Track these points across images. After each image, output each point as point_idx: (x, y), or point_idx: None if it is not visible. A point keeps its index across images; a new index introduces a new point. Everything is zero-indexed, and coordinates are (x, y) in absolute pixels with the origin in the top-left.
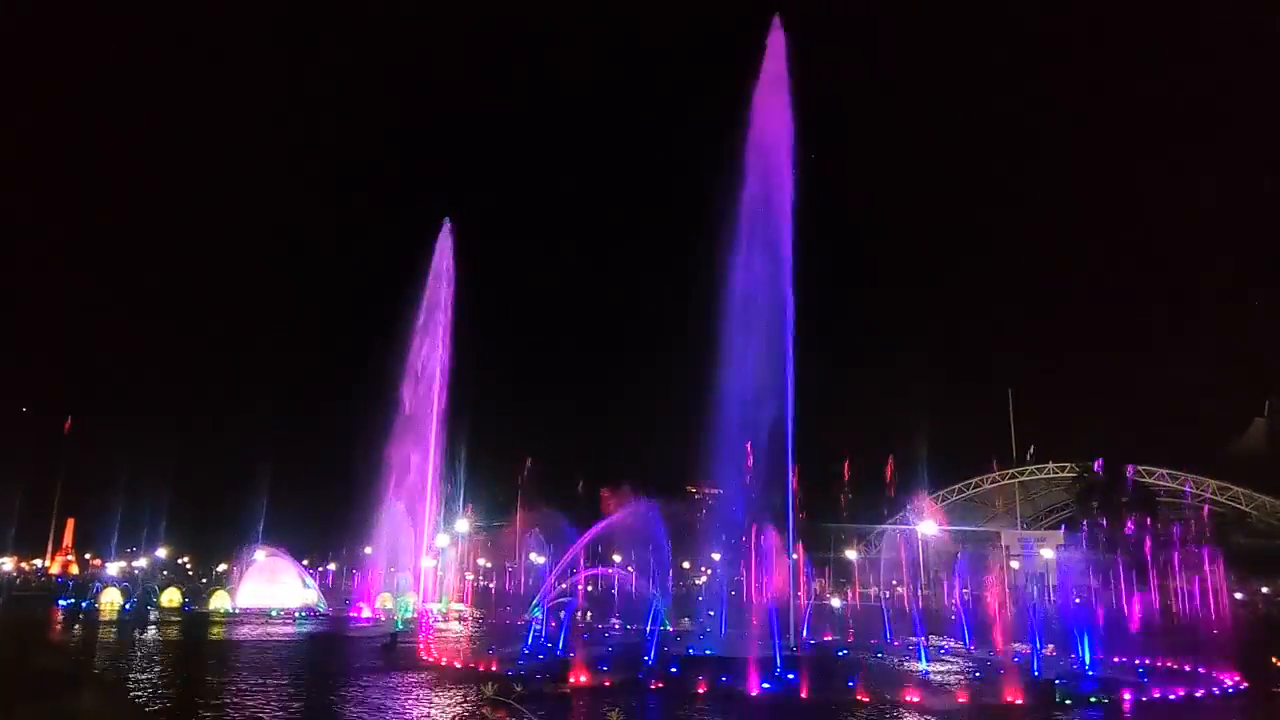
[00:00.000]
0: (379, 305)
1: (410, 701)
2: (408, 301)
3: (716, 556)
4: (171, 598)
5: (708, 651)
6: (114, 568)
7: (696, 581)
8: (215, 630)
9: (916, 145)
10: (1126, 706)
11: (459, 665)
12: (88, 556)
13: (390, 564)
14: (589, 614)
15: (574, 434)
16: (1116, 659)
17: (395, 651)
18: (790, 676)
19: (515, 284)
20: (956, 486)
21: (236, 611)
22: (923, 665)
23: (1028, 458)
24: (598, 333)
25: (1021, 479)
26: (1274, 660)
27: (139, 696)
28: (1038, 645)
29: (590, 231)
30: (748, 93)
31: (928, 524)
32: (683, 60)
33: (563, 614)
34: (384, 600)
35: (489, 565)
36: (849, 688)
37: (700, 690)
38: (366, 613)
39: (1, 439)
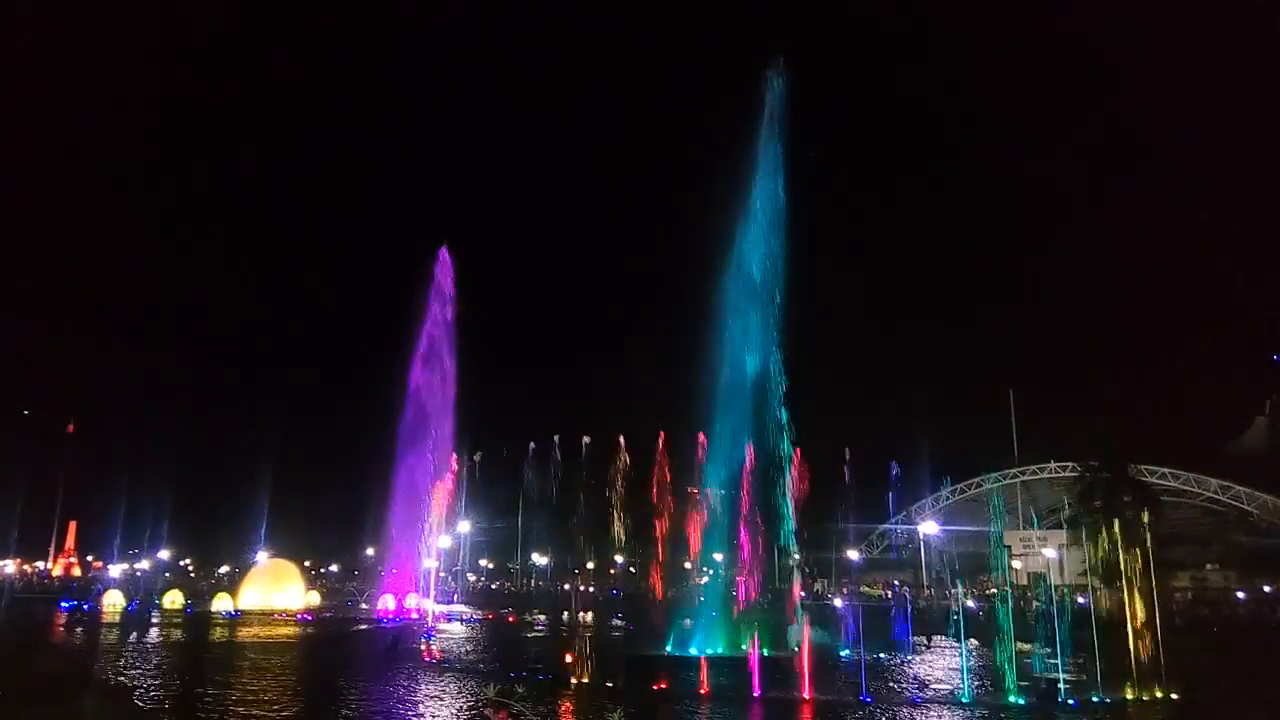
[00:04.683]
0: (382, 308)
1: (412, 702)
2: (410, 306)
3: (719, 557)
4: (174, 600)
5: (709, 651)
6: (116, 570)
7: (699, 582)
8: (217, 632)
9: (917, 146)
10: (1128, 707)
11: (461, 666)
12: (90, 559)
13: (392, 565)
14: (590, 614)
15: (575, 432)
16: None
17: (398, 652)
18: (792, 676)
19: (516, 289)
20: (958, 486)
21: (238, 613)
22: (924, 665)
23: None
24: (599, 334)
25: (1023, 479)
26: None
27: (141, 699)
28: (1041, 646)
29: (589, 238)
30: (750, 99)
31: (929, 524)
32: (681, 63)
33: (566, 615)
34: (386, 601)
35: (491, 565)
36: (851, 687)
37: (702, 690)
38: (369, 614)
39: (3, 441)
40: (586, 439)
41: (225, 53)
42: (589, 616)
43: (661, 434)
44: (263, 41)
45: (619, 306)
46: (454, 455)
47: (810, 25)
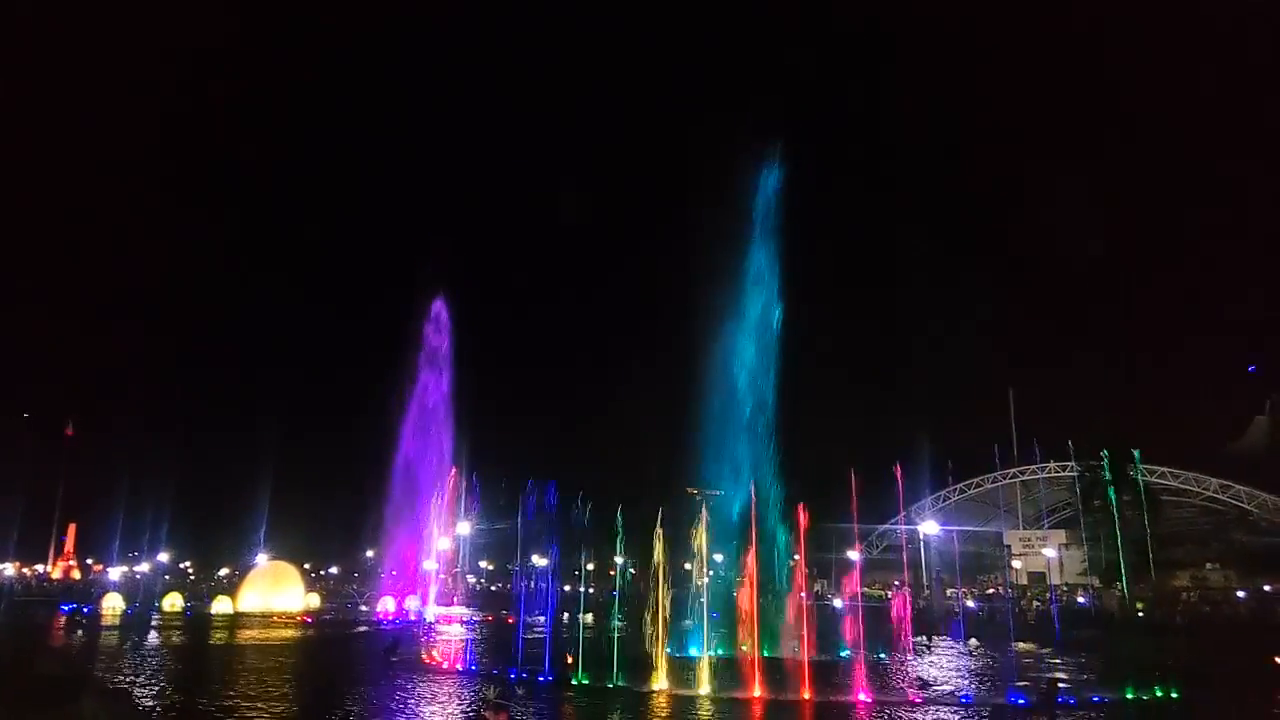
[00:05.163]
0: (382, 309)
1: (412, 704)
2: (412, 313)
3: (719, 558)
4: (173, 602)
5: (710, 652)
6: (116, 573)
7: (699, 583)
8: (217, 635)
9: (916, 145)
10: (1128, 706)
11: (460, 667)
12: (89, 562)
13: (392, 568)
14: (590, 615)
15: (574, 433)
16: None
17: (397, 655)
18: (794, 677)
19: (515, 293)
20: (958, 486)
21: (238, 616)
22: (925, 665)
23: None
24: (596, 334)
25: (1023, 478)
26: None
27: (140, 701)
28: (1041, 645)
29: (587, 237)
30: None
31: (929, 524)
32: (677, 72)
33: (565, 616)
34: (386, 603)
35: (490, 567)
36: (852, 688)
37: (702, 691)
38: (369, 616)
39: (3, 444)
40: (587, 503)
41: (225, 52)
42: (589, 618)
43: (660, 509)
44: (262, 41)
45: (621, 304)
46: (454, 457)
47: (810, 24)
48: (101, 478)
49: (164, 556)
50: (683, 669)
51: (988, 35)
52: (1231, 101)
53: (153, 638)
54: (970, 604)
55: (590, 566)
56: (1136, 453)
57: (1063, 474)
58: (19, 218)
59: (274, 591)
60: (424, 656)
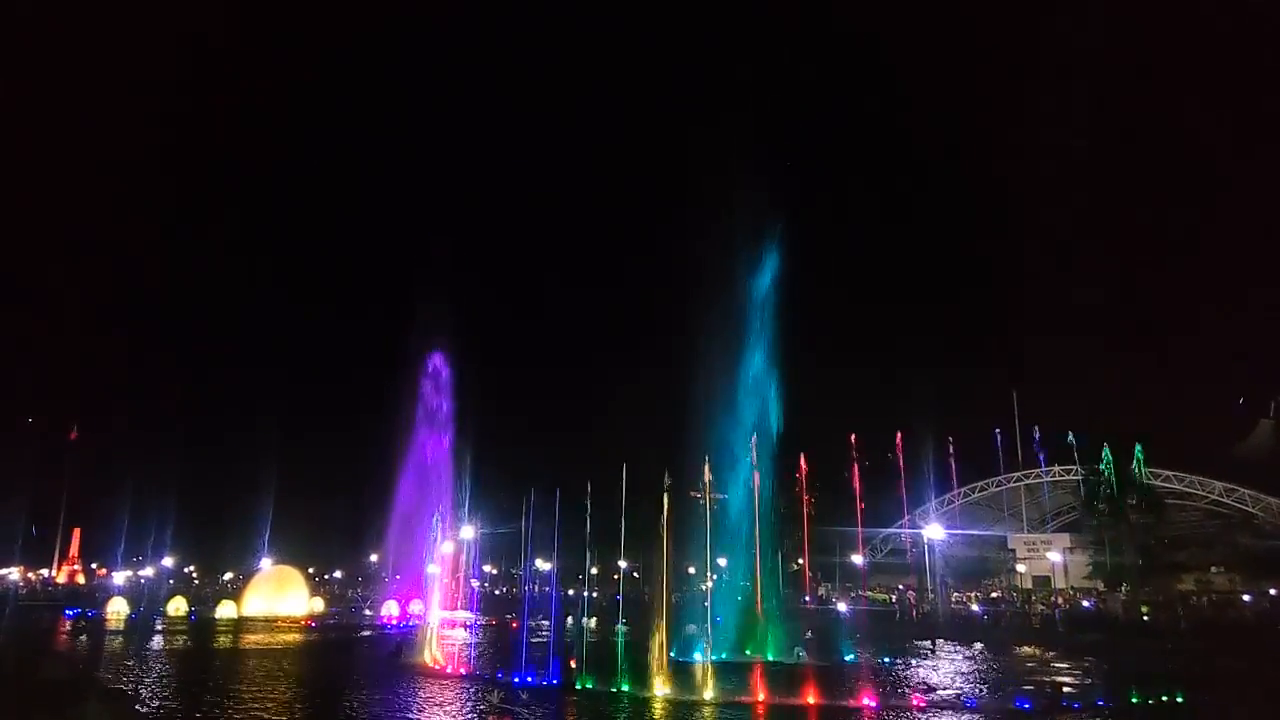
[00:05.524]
0: (384, 310)
1: (415, 708)
2: (412, 314)
3: (723, 561)
4: (178, 606)
5: (714, 657)
6: (120, 577)
7: (702, 587)
8: (222, 639)
9: (915, 144)
10: (1133, 710)
11: (464, 672)
12: (94, 566)
13: (396, 572)
14: (594, 620)
15: (575, 434)
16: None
17: (401, 659)
18: (797, 682)
19: (515, 293)
20: (962, 490)
21: (242, 620)
22: (929, 669)
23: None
24: (597, 334)
25: (1027, 482)
26: None
27: (143, 706)
28: (1045, 649)
29: (588, 235)
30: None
31: (934, 528)
32: (677, 72)
33: (569, 620)
34: (390, 608)
35: (495, 571)
36: (856, 693)
37: (706, 695)
38: (373, 620)
39: (6, 449)
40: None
41: (224, 52)
42: (593, 622)
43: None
44: (262, 41)
45: (622, 304)
46: (458, 460)
47: (809, 24)
48: (105, 482)
49: (168, 561)
50: (687, 673)
51: (988, 35)
52: (1231, 101)
53: (157, 642)
54: (975, 608)
55: (594, 571)
56: (1138, 447)
57: (1067, 477)
58: (19, 218)
59: (278, 596)
60: (428, 660)
